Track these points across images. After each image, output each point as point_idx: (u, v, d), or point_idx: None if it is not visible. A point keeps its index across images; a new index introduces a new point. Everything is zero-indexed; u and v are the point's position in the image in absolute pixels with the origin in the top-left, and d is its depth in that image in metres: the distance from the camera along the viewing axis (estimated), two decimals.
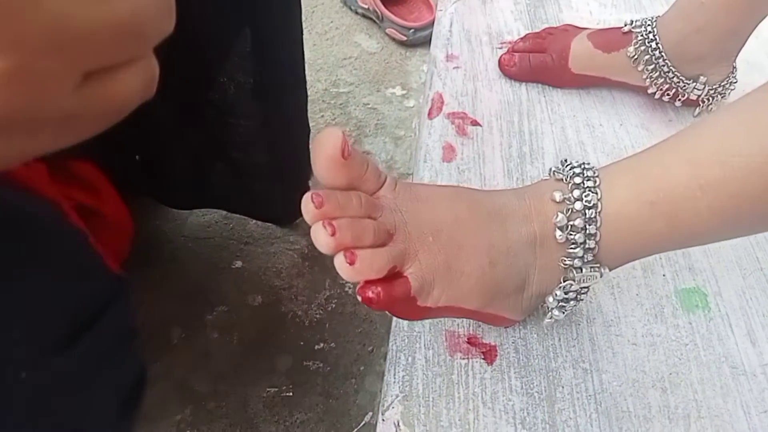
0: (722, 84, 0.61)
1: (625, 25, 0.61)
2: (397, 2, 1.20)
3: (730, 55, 0.60)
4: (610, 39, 0.62)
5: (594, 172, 0.39)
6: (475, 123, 0.62)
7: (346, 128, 1.03)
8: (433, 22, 0.74)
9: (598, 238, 0.38)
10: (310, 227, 0.32)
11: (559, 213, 0.38)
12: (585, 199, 0.37)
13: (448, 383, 0.44)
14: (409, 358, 0.45)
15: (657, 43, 0.59)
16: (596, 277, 0.39)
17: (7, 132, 0.18)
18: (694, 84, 0.60)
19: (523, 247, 0.39)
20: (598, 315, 0.49)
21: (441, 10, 0.75)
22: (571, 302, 0.42)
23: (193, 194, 0.77)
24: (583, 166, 0.39)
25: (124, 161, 0.68)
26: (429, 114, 0.63)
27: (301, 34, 0.62)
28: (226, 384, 0.74)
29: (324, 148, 0.32)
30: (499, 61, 0.67)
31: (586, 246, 0.38)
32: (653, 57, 0.59)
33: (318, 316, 0.82)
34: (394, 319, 0.48)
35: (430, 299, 0.36)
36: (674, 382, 0.46)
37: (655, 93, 0.62)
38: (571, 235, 0.38)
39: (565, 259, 0.39)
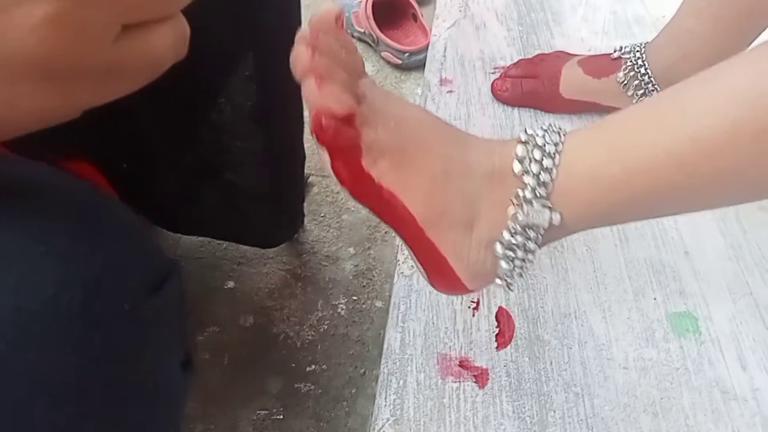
0: None
1: (615, 52, 0.63)
2: (392, 26, 1.22)
3: None
4: (600, 65, 0.63)
5: (562, 128, 0.39)
6: None
7: None
8: (428, 47, 0.75)
9: (554, 175, 0.37)
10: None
11: (519, 145, 0.38)
12: (547, 137, 0.37)
13: (439, 407, 0.44)
14: (401, 381, 0.45)
15: (646, 69, 0.60)
16: (546, 217, 0.37)
17: (49, 79, 0.19)
18: None
19: (479, 175, 0.39)
20: (589, 338, 0.49)
21: (435, 35, 0.76)
22: (519, 253, 0.39)
23: (181, 217, 0.77)
24: (552, 124, 0.39)
25: (116, 173, 0.68)
26: None
27: None
28: (216, 406, 0.73)
29: (323, 13, 0.35)
30: (492, 85, 0.68)
31: (540, 179, 0.37)
32: (642, 82, 0.61)
33: (310, 337, 0.81)
34: (386, 341, 0.48)
35: (375, 168, 0.36)
36: (665, 407, 0.46)
37: None
38: (527, 167, 0.37)
39: (518, 190, 0.38)
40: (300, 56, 0.33)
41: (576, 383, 0.46)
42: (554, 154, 0.37)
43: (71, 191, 0.30)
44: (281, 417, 0.73)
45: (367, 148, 0.35)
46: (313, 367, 0.78)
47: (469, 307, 0.51)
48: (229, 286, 0.85)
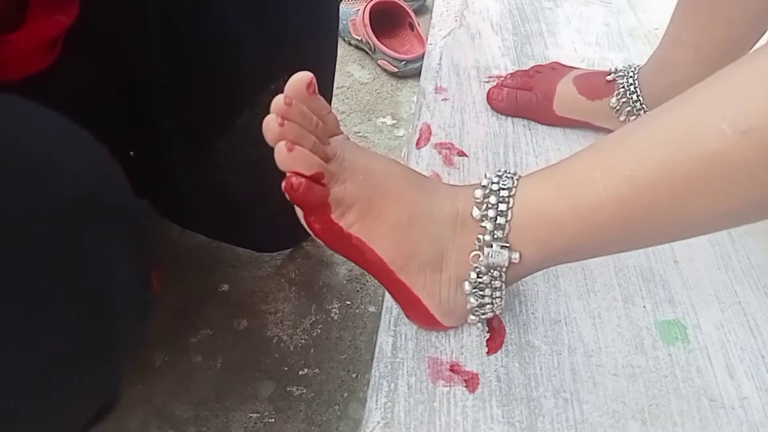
0: None
1: (610, 74, 0.63)
2: (389, 35, 1.23)
3: None
4: (594, 86, 0.64)
5: (516, 174, 0.43)
6: (461, 153, 0.63)
7: None
8: (424, 55, 0.76)
9: (509, 217, 0.40)
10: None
11: (478, 190, 0.42)
12: (502, 183, 0.41)
13: (429, 411, 0.44)
14: (392, 385, 0.45)
15: (638, 96, 0.61)
16: (505, 257, 0.41)
17: None
18: None
19: (444, 220, 0.42)
20: (579, 345, 0.50)
21: (431, 44, 0.77)
22: (487, 291, 0.43)
23: (185, 212, 0.77)
24: (507, 170, 0.43)
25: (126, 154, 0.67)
26: (417, 144, 0.64)
27: (333, 80, 0.66)
28: (208, 409, 0.73)
29: (295, 80, 0.38)
30: (488, 94, 0.69)
31: (497, 222, 0.41)
32: (634, 108, 0.62)
33: (303, 341, 0.82)
34: (378, 345, 0.48)
35: (343, 219, 0.40)
36: (654, 413, 0.46)
37: None
38: (485, 212, 0.41)
39: (479, 235, 0.41)
40: (270, 125, 0.37)
41: (565, 389, 0.47)
42: (508, 198, 0.41)
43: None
44: (273, 420, 0.73)
45: (335, 202, 0.39)
46: (306, 370, 0.79)
47: None
48: (223, 289, 0.86)
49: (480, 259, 0.41)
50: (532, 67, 0.71)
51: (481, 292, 0.43)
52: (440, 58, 0.74)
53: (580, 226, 0.39)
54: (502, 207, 0.40)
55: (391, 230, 0.41)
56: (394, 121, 1.13)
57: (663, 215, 0.36)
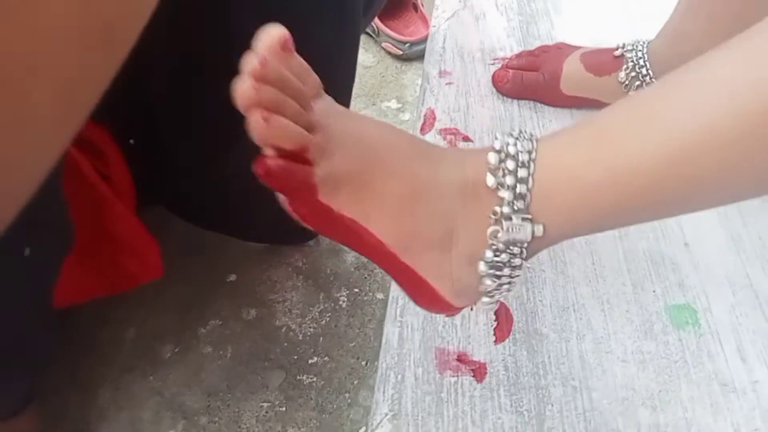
0: None
1: (618, 48, 0.62)
2: (393, 16, 1.21)
3: None
4: (601, 62, 0.62)
5: (534, 134, 0.37)
6: (466, 138, 0.62)
7: None
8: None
9: (530, 185, 0.35)
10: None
11: (491, 153, 0.36)
12: (520, 144, 0.35)
13: (437, 401, 0.44)
14: (399, 376, 0.45)
15: (647, 70, 0.59)
16: (527, 231, 0.35)
17: None
18: None
19: (451, 190, 0.36)
20: (588, 331, 0.49)
21: (435, 27, 0.75)
22: (505, 270, 0.37)
23: (189, 205, 0.77)
24: (523, 130, 0.37)
25: (129, 147, 0.67)
26: (421, 129, 0.63)
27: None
28: (219, 399, 0.74)
29: (264, 35, 0.31)
30: (493, 76, 0.68)
31: (517, 191, 0.35)
32: (644, 83, 0.60)
33: (312, 330, 0.82)
34: (385, 336, 0.48)
35: (334, 199, 0.34)
36: (664, 400, 0.46)
37: None
38: (501, 179, 0.35)
39: (496, 207, 0.35)
40: (242, 89, 0.30)
41: (574, 377, 0.46)
42: (529, 162, 0.35)
43: None
44: (284, 409, 0.74)
45: (323, 180, 0.33)
46: (315, 359, 0.79)
47: None
48: (231, 279, 0.86)
49: (499, 235, 0.35)
50: (538, 47, 0.69)
51: (498, 272, 0.37)
52: (444, 41, 0.73)
53: (616, 193, 0.33)
54: (522, 173, 0.34)
55: (390, 207, 0.35)
56: (400, 105, 1.12)
57: (710, 178, 0.31)
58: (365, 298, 0.85)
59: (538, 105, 0.67)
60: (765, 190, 0.34)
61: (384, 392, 0.44)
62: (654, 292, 0.52)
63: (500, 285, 0.38)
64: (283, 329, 0.81)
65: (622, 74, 0.61)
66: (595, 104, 0.65)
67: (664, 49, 0.59)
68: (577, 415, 0.44)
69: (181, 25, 0.52)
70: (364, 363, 0.79)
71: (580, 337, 0.49)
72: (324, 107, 0.35)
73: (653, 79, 0.60)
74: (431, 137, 0.62)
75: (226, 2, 0.51)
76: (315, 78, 0.35)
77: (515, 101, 0.67)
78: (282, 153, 0.31)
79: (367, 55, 1.20)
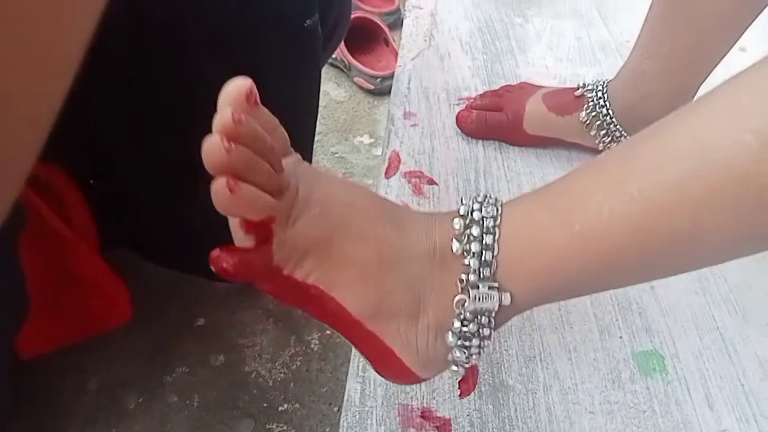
0: None
1: (578, 88, 0.62)
2: (364, 51, 1.22)
3: None
4: (563, 102, 0.62)
5: (499, 199, 0.36)
6: (431, 182, 0.62)
7: None
8: None
9: (496, 251, 0.34)
10: None
11: (455, 220, 0.35)
12: (485, 210, 0.35)
13: None
14: None
15: (608, 109, 0.60)
16: (494, 300, 0.34)
17: None
18: None
19: (419, 257, 0.35)
20: (555, 382, 0.48)
21: (400, 66, 0.75)
22: (474, 341, 0.36)
23: (151, 244, 0.75)
24: (489, 195, 0.37)
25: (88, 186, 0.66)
26: (386, 173, 0.63)
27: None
28: None
29: (230, 88, 0.30)
30: (457, 117, 0.68)
31: (483, 258, 0.34)
32: (604, 122, 0.60)
33: (282, 375, 0.80)
34: (347, 393, 0.47)
35: (299, 270, 0.33)
36: None
37: None
38: (467, 245, 0.34)
39: (462, 275, 0.35)
40: (213, 150, 0.28)
41: (542, 431, 0.45)
42: (494, 228, 0.34)
43: None
44: None
45: (287, 250, 0.32)
46: (286, 406, 0.77)
47: None
48: (199, 323, 0.84)
49: (465, 304, 0.35)
50: (502, 87, 0.70)
51: (467, 343, 0.36)
52: (409, 82, 0.73)
53: (583, 258, 0.33)
54: (488, 239, 0.34)
55: (357, 274, 0.34)
56: (372, 140, 1.12)
57: (679, 241, 0.30)
58: (338, 341, 0.83)
59: (503, 145, 0.67)
60: (733, 255, 0.33)
61: None
62: (621, 338, 0.52)
63: (469, 355, 0.37)
64: (253, 375, 0.79)
65: (583, 114, 0.61)
66: (558, 143, 0.65)
67: (624, 89, 0.60)
68: None
69: (139, 66, 0.51)
70: (335, 409, 0.77)
71: (546, 388, 0.48)
72: (293, 167, 0.34)
73: (613, 119, 0.60)
74: (396, 180, 0.62)
75: (183, 41, 0.50)
76: (282, 132, 0.34)
77: (480, 141, 0.67)
78: (245, 223, 0.30)
79: (339, 90, 1.20)
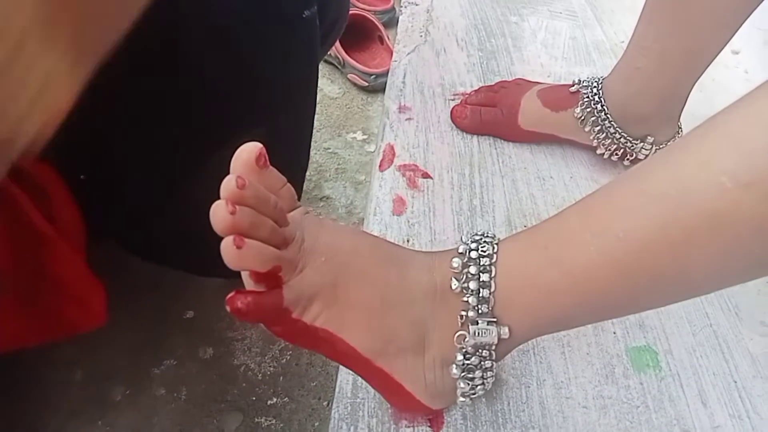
0: (669, 143, 0.62)
1: (573, 85, 0.62)
2: (358, 48, 1.21)
3: (674, 113, 0.61)
4: (558, 98, 0.62)
5: (495, 237, 0.39)
6: (426, 175, 0.61)
7: (307, 173, 1.02)
8: None
9: (492, 288, 0.37)
10: None
11: (454, 259, 0.38)
12: (481, 249, 0.37)
13: None
14: (351, 428, 0.43)
15: (602, 105, 0.60)
16: (493, 334, 0.37)
17: None
18: (642, 144, 0.61)
19: (421, 296, 0.38)
20: (548, 376, 0.48)
21: (396, 61, 0.75)
22: (477, 373, 0.39)
23: (141, 240, 0.74)
24: (486, 233, 0.39)
25: (77, 181, 0.65)
26: (380, 166, 0.62)
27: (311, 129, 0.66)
28: None
29: (242, 153, 0.33)
30: (452, 112, 0.67)
31: (480, 295, 0.37)
32: (599, 119, 0.60)
33: (272, 369, 0.79)
34: (338, 384, 0.46)
35: (307, 314, 0.35)
36: None
37: (603, 153, 0.63)
38: (465, 284, 0.37)
39: (462, 311, 0.37)
40: (219, 213, 0.31)
41: (534, 425, 0.45)
42: (490, 266, 0.37)
43: None
44: None
45: (295, 297, 0.34)
46: (275, 400, 0.76)
47: None
48: (188, 316, 0.83)
49: (466, 339, 0.37)
50: (497, 82, 0.70)
51: (470, 375, 0.39)
52: (404, 76, 0.72)
53: (574, 294, 0.35)
54: (485, 277, 0.36)
55: (363, 315, 0.36)
56: (365, 137, 1.11)
57: (662, 278, 0.32)
58: None
59: (498, 140, 0.66)
60: (719, 286, 0.35)
61: None
62: (614, 333, 0.51)
63: (474, 386, 0.40)
64: (242, 368, 0.78)
65: (578, 110, 0.61)
66: (553, 139, 0.65)
67: (618, 85, 0.60)
68: None
69: (131, 64, 0.50)
70: (325, 403, 0.77)
71: (540, 382, 0.48)
72: (298, 220, 0.36)
73: (608, 114, 0.60)
74: (390, 173, 0.61)
75: (182, 36, 0.49)
76: (289, 188, 0.37)
77: (475, 137, 0.66)
78: (254, 274, 0.32)
79: (332, 87, 1.20)
